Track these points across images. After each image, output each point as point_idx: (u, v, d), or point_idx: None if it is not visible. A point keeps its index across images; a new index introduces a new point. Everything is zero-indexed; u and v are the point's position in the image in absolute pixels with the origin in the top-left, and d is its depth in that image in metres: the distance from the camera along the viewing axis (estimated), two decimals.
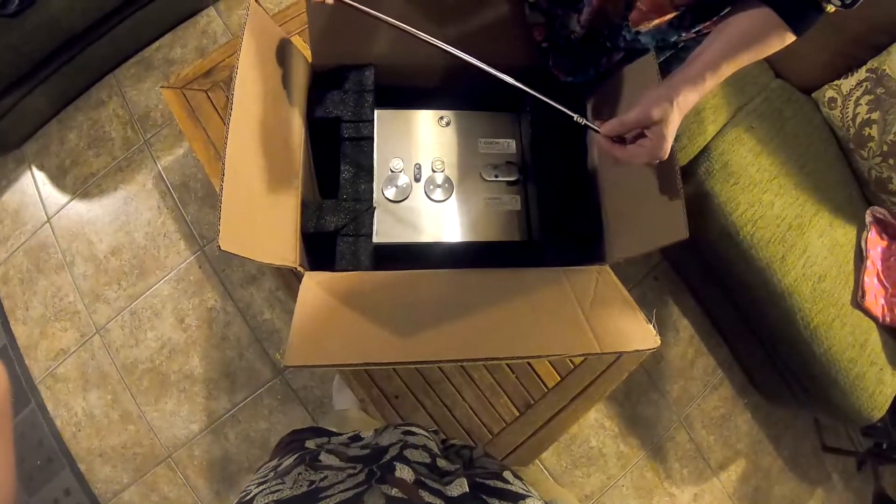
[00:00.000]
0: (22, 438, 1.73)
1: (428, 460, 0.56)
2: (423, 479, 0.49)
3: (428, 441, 0.62)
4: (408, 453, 0.56)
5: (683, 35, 0.86)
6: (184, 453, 1.70)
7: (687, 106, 0.70)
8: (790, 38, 0.72)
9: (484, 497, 0.49)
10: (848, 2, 0.67)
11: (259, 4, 0.80)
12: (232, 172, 0.66)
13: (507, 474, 0.57)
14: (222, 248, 0.60)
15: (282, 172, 0.83)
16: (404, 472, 0.49)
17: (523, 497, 0.52)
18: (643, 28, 0.86)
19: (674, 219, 0.73)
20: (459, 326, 0.71)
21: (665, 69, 0.86)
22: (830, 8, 0.68)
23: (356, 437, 0.70)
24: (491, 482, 0.53)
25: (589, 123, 0.76)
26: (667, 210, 0.75)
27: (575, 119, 0.76)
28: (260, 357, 1.75)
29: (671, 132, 0.69)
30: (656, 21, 0.84)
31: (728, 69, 0.72)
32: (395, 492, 0.45)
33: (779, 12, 0.70)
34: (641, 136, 0.72)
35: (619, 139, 0.75)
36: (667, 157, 0.71)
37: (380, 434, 0.67)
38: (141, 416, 1.72)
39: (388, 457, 0.55)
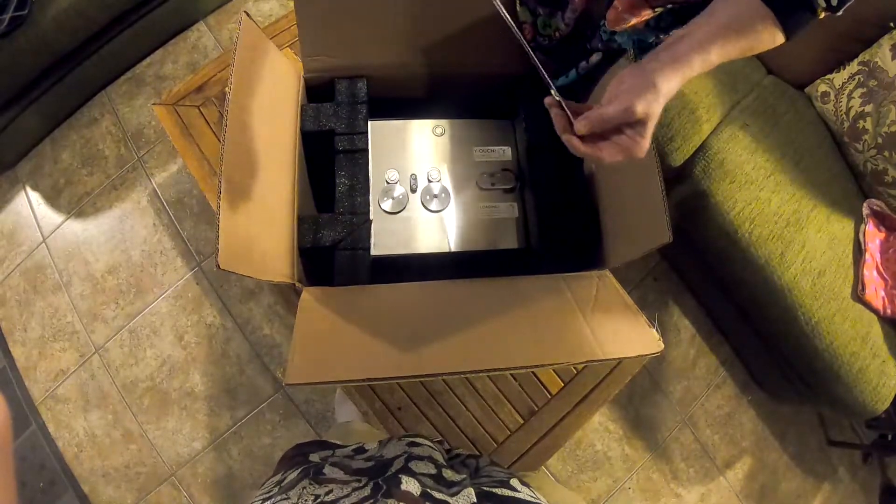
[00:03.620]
0: (23, 461, 1.71)
1: (434, 471, 0.56)
2: (429, 490, 0.49)
3: (433, 451, 0.62)
4: (413, 465, 0.56)
5: (662, 37, 0.85)
6: (187, 471, 1.69)
7: (670, 95, 0.63)
8: (780, 37, 0.66)
9: None
10: (835, 4, 0.64)
11: (250, 18, 0.79)
12: (229, 189, 0.66)
13: (514, 482, 0.56)
14: (221, 267, 0.60)
15: (278, 187, 0.82)
16: (410, 485, 0.49)
17: None
18: (619, 28, 0.85)
19: (658, 222, 0.71)
20: (461, 338, 0.71)
21: None
22: (820, 13, 0.65)
23: (360, 450, 0.70)
24: (498, 490, 0.53)
25: (566, 106, 0.68)
26: (654, 214, 0.73)
27: (552, 94, 0.69)
28: (261, 372, 1.74)
29: (652, 128, 0.63)
30: (633, 21, 0.82)
31: (717, 56, 0.64)
32: None
33: (770, 5, 0.64)
34: (618, 130, 0.64)
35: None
36: (644, 155, 0.64)
37: (384, 446, 0.67)
38: (143, 435, 1.71)
39: (393, 469, 0.54)
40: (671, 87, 0.62)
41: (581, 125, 0.65)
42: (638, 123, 0.62)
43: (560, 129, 0.69)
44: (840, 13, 0.65)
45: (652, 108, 0.61)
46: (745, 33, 0.65)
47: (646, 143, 0.63)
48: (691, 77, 0.64)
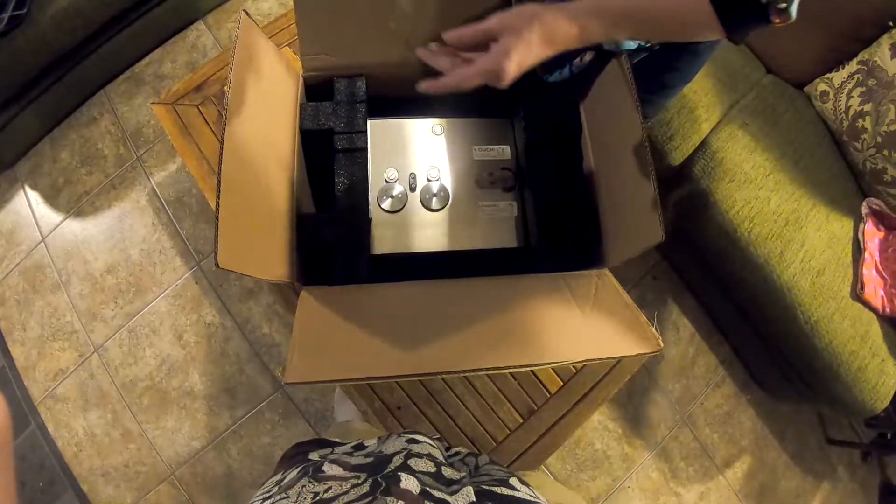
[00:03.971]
0: (23, 461, 1.71)
1: (433, 469, 0.56)
2: (428, 489, 0.49)
3: (433, 449, 0.62)
4: (412, 463, 0.55)
5: (647, 43, 0.85)
6: (186, 471, 1.69)
7: (552, 35, 0.59)
8: (716, 29, 0.61)
9: None
10: (782, 6, 0.58)
11: (249, 17, 0.79)
12: (228, 188, 0.66)
13: (513, 481, 0.56)
14: (220, 266, 0.59)
15: (277, 186, 0.82)
16: (409, 483, 0.48)
17: (531, 503, 0.51)
18: None
19: (651, 221, 0.71)
20: (460, 337, 0.71)
21: (639, 71, 0.81)
22: (775, 21, 0.60)
23: (360, 446, 0.70)
24: (498, 489, 0.53)
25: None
26: (648, 213, 0.73)
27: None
28: (260, 371, 1.74)
29: (519, 53, 0.58)
30: None
31: (623, 25, 0.60)
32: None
33: (715, 6, 0.58)
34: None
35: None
36: (507, 83, 0.60)
37: (383, 442, 0.66)
38: (142, 435, 1.71)
39: (392, 466, 0.54)
40: (557, 24, 0.59)
41: (448, 34, 0.66)
42: (503, 42, 0.59)
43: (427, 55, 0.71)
44: (786, 8, 0.59)
45: (519, 27, 0.58)
46: (671, 17, 0.61)
47: (509, 65, 0.59)
48: (587, 30, 0.61)
